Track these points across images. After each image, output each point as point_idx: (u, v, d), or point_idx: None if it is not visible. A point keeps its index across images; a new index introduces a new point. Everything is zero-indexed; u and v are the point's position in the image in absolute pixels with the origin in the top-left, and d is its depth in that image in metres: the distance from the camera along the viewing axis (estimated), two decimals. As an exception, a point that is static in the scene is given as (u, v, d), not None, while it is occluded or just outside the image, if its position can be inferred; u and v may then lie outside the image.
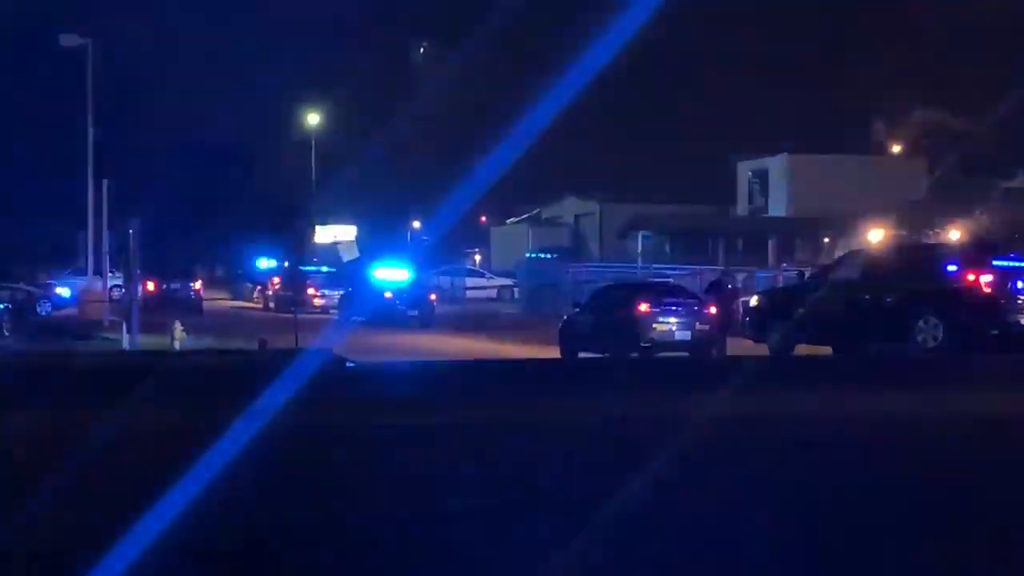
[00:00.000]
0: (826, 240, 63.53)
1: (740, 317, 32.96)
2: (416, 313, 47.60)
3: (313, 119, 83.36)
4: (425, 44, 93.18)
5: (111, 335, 38.70)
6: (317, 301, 54.91)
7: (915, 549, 8.10)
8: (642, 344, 30.93)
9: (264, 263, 62.61)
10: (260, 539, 8.40)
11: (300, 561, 7.92)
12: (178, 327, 34.23)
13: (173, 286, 55.24)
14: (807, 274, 32.78)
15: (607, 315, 31.92)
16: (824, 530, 8.52)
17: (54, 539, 8.64)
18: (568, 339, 32.85)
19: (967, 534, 8.50)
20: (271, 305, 58.36)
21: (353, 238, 78.97)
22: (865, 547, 8.12)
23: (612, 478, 9.43)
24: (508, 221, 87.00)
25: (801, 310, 27.26)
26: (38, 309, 50.18)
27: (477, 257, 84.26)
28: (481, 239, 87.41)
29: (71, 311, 50.69)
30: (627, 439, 11.96)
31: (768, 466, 10.78)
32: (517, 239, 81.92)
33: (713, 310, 32.29)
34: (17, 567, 8.01)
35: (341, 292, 53.42)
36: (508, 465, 11.00)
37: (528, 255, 68.99)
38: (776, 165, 71.07)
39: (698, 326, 31.46)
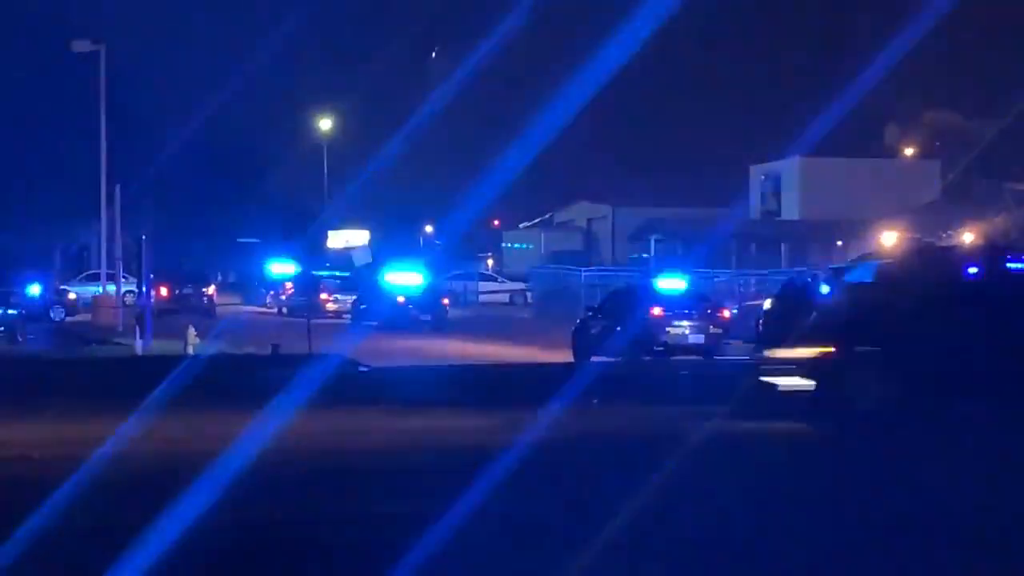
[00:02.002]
0: (839, 243, 63.38)
1: None
2: (429, 318, 47.43)
3: (325, 124, 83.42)
4: (437, 49, 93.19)
5: (124, 340, 38.66)
6: (330, 306, 54.76)
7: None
8: (655, 347, 30.93)
9: (277, 268, 62.37)
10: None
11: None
12: (192, 332, 34.23)
13: (186, 291, 55.18)
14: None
15: (620, 318, 31.86)
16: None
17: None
18: (581, 342, 32.79)
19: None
20: (284, 310, 58.31)
21: (366, 243, 78.89)
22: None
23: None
24: (521, 225, 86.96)
25: (814, 314, 27.15)
26: (51, 315, 50.22)
27: (490, 261, 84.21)
28: (494, 243, 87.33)
29: (84, 317, 50.71)
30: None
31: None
32: (529, 243, 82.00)
33: (727, 313, 32.35)
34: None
35: (354, 297, 53.35)
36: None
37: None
38: (789, 168, 70.91)
39: (711, 329, 31.45)
